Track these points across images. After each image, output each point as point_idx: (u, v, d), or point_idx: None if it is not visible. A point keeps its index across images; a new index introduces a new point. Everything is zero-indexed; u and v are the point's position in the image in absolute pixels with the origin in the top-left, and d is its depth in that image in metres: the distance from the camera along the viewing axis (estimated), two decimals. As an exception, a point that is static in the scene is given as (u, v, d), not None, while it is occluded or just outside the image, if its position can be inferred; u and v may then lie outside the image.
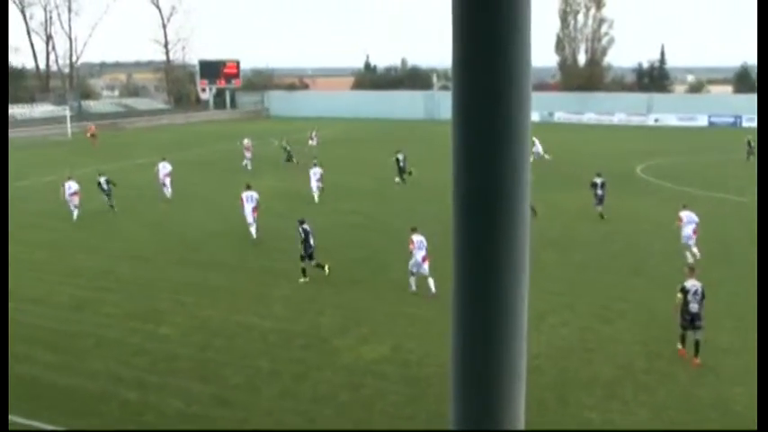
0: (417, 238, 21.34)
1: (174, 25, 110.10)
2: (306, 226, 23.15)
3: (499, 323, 2.04)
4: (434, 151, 49.73)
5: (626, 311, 19.84)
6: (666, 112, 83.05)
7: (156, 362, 16.83)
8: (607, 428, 13.73)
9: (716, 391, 14.98)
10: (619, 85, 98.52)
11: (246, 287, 22.38)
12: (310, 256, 22.92)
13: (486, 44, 1.94)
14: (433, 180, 38.94)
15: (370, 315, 19.74)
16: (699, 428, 13.71)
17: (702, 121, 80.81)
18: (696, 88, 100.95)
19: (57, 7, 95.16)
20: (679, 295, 16.58)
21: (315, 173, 36.78)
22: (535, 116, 72.42)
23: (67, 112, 75.25)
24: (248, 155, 47.41)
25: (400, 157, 42.19)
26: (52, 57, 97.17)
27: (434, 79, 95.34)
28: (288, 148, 49.36)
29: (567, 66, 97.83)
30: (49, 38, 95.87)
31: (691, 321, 16.35)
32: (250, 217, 28.25)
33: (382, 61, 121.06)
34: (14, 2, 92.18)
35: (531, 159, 2.39)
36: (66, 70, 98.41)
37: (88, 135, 65.75)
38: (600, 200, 31.07)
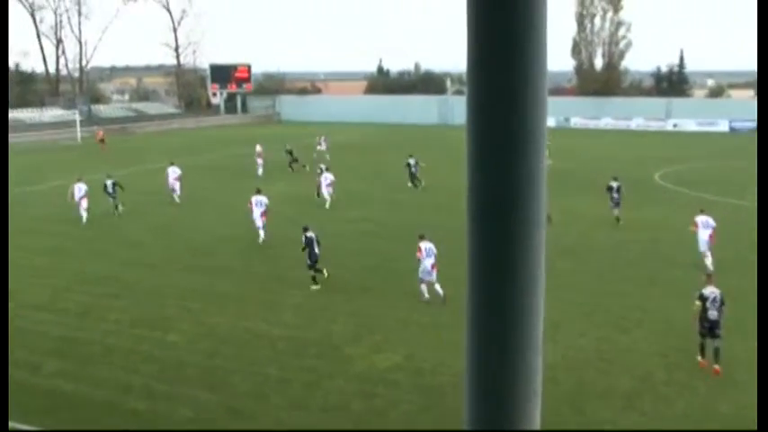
0: (425, 246, 21.35)
1: (185, 29, 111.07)
2: (310, 234, 23.15)
3: (514, 329, 2.03)
4: (448, 157, 49.68)
5: (643, 321, 19.73)
6: (686, 118, 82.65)
7: (164, 370, 16.85)
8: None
9: (737, 403, 14.84)
10: (637, 89, 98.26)
11: (255, 294, 22.41)
12: (314, 264, 22.85)
13: (502, 45, 1.93)
14: (446, 186, 38.94)
15: (382, 323, 19.72)
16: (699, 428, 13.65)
17: (723, 126, 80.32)
18: (716, 93, 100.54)
19: (67, 11, 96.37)
20: (697, 302, 16.48)
21: (326, 178, 36.86)
22: (551, 121, 72.25)
23: (77, 117, 75.77)
24: (260, 161, 47.60)
25: (411, 161, 42.43)
26: (62, 61, 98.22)
27: (448, 84, 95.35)
28: (291, 152, 49.72)
29: (583, 70, 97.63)
30: (59, 42, 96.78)
31: (710, 329, 16.25)
32: (259, 221, 28.53)
33: (395, 65, 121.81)
34: (25, 5, 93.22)
35: None
36: (76, 74, 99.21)
37: (97, 140, 66.24)
38: (616, 203, 31.13)
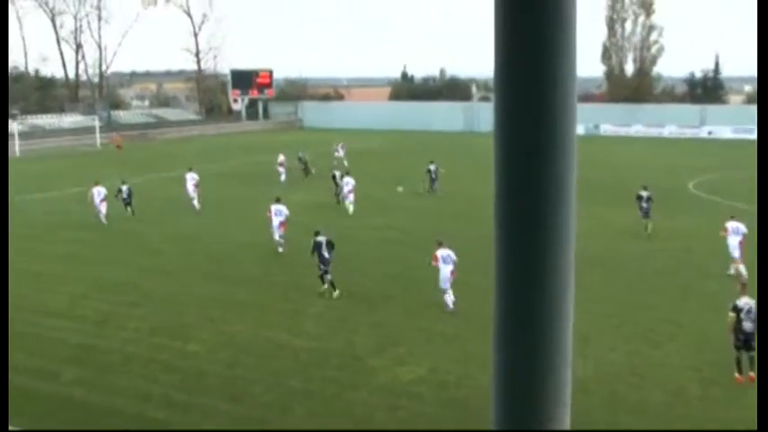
0: (443, 253, 21.34)
1: (206, 34, 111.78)
2: (319, 238, 23.20)
3: (543, 340, 2.03)
4: (473, 164, 49.76)
5: (676, 334, 19.56)
6: (721, 125, 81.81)
7: (185, 379, 16.98)
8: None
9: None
10: (669, 95, 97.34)
11: (276, 303, 22.51)
12: (325, 269, 22.90)
13: (530, 50, 1.92)
14: (471, 194, 38.93)
15: (406, 334, 19.73)
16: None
17: (760, 133, 79.30)
18: (753, 99, 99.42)
19: (87, 16, 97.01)
20: (731, 314, 16.31)
21: (347, 183, 37.12)
22: (580, 129, 71.84)
23: (96, 123, 76.58)
24: (282, 169, 47.88)
25: (432, 167, 42.72)
26: (82, 66, 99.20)
27: (474, 90, 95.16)
28: (301, 159, 50.10)
29: (613, 76, 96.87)
30: (78, 47, 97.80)
31: (745, 341, 16.04)
32: (276, 232, 28.62)
33: (420, 71, 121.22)
34: (45, 10, 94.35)
35: None
36: (96, 80, 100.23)
37: (115, 145, 67.21)
38: (645, 213, 30.97)
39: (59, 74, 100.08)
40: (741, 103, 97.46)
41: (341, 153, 56.25)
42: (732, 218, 25.19)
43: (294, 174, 48.58)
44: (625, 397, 15.89)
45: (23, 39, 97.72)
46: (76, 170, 54.45)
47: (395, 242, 30.44)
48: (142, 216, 36.21)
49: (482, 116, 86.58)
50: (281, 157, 48.92)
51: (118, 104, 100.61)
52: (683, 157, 61.43)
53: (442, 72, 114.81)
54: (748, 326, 15.92)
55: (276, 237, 28.77)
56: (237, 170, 54.43)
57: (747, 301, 16.18)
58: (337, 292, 22.81)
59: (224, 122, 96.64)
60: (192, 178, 38.88)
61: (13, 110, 77.29)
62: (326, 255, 22.93)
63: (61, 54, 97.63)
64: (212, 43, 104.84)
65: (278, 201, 29.65)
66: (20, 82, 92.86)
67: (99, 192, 34.59)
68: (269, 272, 26.04)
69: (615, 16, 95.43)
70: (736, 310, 16.20)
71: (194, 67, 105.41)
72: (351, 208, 36.56)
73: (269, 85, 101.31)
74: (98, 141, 73.61)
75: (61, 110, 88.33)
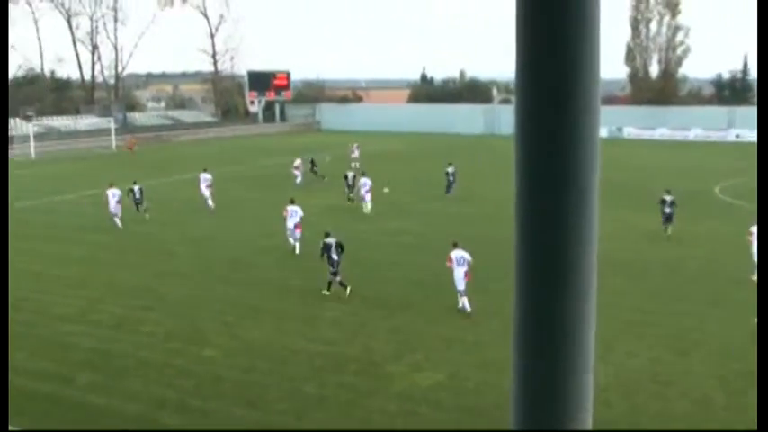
0: (457, 254, 21.53)
1: (223, 35, 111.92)
2: (329, 240, 23.54)
3: (564, 346, 2.02)
4: (492, 167, 49.69)
5: (701, 342, 19.43)
6: (749, 127, 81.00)
7: (200, 385, 17.07)
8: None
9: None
10: (695, 98, 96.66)
11: (293, 308, 22.58)
12: (335, 271, 23.26)
13: (552, 51, 1.91)
14: (490, 197, 38.88)
15: (424, 340, 19.73)
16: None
17: (790, 136, 78.59)
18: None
19: (103, 17, 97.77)
20: (755, 321, 16.17)
21: (364, 184, 37.48)
22: (603, 132, 71.45)
23: (112, 125, 77.17)
24: (297, 173, 48.15)
25: (450, 170, 42.78)
26: (97, 67, 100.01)
27: (494, 92, 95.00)
28: (313, 161, 50.58)
29: (637, 78, 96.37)
30: (94, 48, 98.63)
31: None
32: (293, 233, 29.18)
33: (440, 73, 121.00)
34: (61, 12, 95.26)
35: None
36: (112, 81, 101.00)
37: (126, 147, 67.93)
38: (667, 218, 30.95)
39: (75, 75, 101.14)
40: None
41: (356, 154, 56.53)
42: (758, 222, 25.01)
43: (309, 176, 48.80)
44: (647, 405, 15.81)
45: (39, 40, 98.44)
46: (92, 172, 54.86)
47: (413, 246, 30.45)
48: (158, 219, 36.45)
49: (503, 119, 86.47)
50: (298, 161, 49.25)
51: (133, 106, 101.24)
52: (708, 161, 61.02)
53: (462, 74, 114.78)
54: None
55: (292, 240, 29.40)
56: (254, 173, 54.66)
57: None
58: (348, 289, 23.12)
59: (240, 125, 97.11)
60: (205, 179, 39.67)
61: (28, 111, 78.01)
62: (335, 257, 23.24)
63: (77, 55, 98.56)
64: (229, 44, 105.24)
65: (292, 202, 30.17)
66: (35, 83, 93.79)
67: (114, 194, 35.10)
68: (286, 276, 26.11)
69: (639, 16, 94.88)
70: (763, 317, 16.05)
71: (211, 68, 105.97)
72: (368, 207, 37.02)
73: (286, 87, 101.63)
74: (113, 143, 74.17)
75: (77, 112, 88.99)
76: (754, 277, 23.18)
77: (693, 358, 18.44)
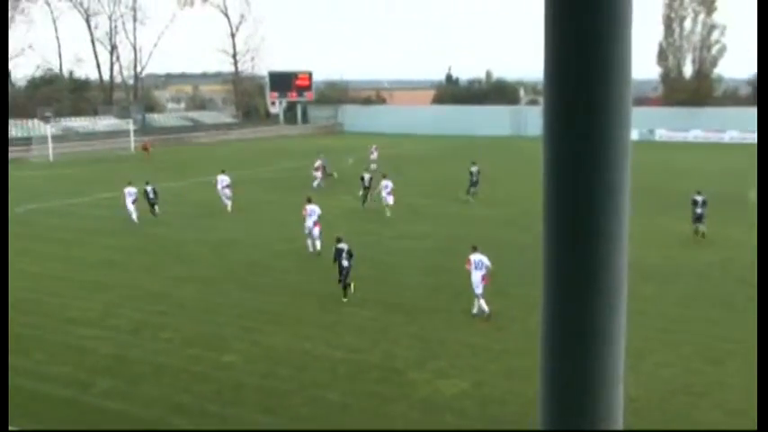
0: (476, 258, 21.75)
1: (243, 35, 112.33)
2: (340, 245, 23.85)
3: (593, 355, 2.02)
4: (519, 169, 49.55)
5: (735, 352, 19.23)
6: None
7: (220, 391, 17.16)
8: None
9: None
10: (731, 98, 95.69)
11: (314, 313, 22.65)
12: (345, 277, 23.61)
13: (583, 51, 1.90)
14: (518, 201, 38.75)
15: (448, 347, 19.71)
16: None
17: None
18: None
19: (122, 16, 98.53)
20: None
21: (386, 186, 37.71)
22: (634, 134, 70.96)
23: (131, 126, 77.76)
24: (318, 174, 48.33)
25: (474, 169, 42.85)
26: (116, 67, 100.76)
27: (522, 93, 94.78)
28: (326, 163, 50.77)
29: (670, 78, 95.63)
30: (113, 48, 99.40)
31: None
32: (311, 232, 29.70)
33: (465, 73, 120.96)
34: (80, 11, 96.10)
35: None
36: (131, 82, 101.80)
37: (141, 148, 68.68)
38: (698, 218, 31.14)
39: (93, 76, 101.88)
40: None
41: (374, 156, 56.68)
42: None
43: (329, 179, 48.96)
44: (680, 416, 15.69)
45: (58, 39, 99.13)
46: (109, 175, 55.29)
47: (435, 250, 30.42)
48: (176, 221, 36.81)
49: (530, 120, 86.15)
50: (318, 161, 49.47)
51: (153, 107, 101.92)
52: (744, 164, 60.36)
53: (488, 74, 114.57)
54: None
55: (309, 242, 29.89)
56: (274, 175, 54.89)
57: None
58: (352, 288, 23.59)
59: (261, 126, 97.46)
60: (222, 180, 40.28)
61: (46, 112, 78.82)
62: (345, 263, 23.54)
63: (96, 55, 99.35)
64: (250, 44, 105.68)
65: (309, 201, 30.67)
66: (54, 84, 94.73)
67: (130, 192, 36.37)
68: (305, 280, 26.19)
69: (673, 15, 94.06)
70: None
71: (231, 68, 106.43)
72: (388, 210, 37.30)
73: (308, 88, 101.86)
74: (132, 145, 74.74)
75: (95, 112, 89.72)
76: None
77: (728, 368, 18.27)
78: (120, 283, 26.17)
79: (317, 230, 29.72)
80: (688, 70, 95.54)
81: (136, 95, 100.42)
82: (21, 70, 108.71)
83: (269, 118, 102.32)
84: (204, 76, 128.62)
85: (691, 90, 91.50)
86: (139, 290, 25.38)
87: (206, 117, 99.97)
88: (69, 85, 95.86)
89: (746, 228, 34.08)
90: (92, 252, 30.93)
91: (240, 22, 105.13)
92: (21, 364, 18.59)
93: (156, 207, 37.45)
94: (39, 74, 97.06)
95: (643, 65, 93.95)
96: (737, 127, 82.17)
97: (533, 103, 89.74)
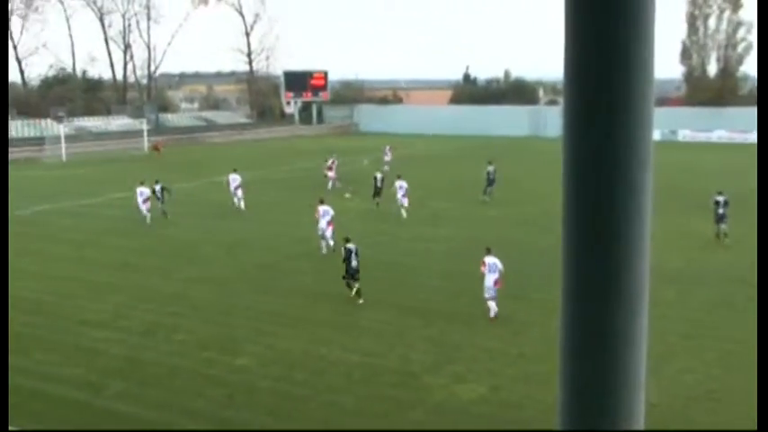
0: (490, 261, 21.92)
1: (258, 33, 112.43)
2: (350, 245, 24.09)
3: (614, 360, 2.01)
4: (539, 171, 49.42)
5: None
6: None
7: (233, 395, 17.21)
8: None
9: None
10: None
11: (329, 316, 22.66)
12: (353, 276, 23.83)
13: (604, 49, 1.89)
14: (537, 202, 38.63)
15: (465, 351, 19.68)
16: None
17: None
18: None
19: (135, 15, 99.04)
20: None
21: (401, 187, 37.79)
22: (656, 134, 70.65)
23: (144, 126, 78.13)
24: (331, 174, 48.47)
25: (490, 169, 42.84)
26: (130, 67, 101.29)
27: (541, 93, 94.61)
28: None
29: (693, 77, 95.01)
30: (127, 47, 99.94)
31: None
32: (325, 232, 29.94)
33: (483, 73, 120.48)
34: (93, 10, 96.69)
35: None
36: (144, 81, 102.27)
37: (152, 148, 69.23)
38: (720, 218, 31.16)
39: (107, 75, 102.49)
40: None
41: (388, 157, 56.69)
42: None
43: (349, 178, 48.98)
44: (701, 423, 15.59)
45: (71, 38, 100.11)
46: (122, 175, 55.55)
47: (452, 253, 30.37)
48: (189, 222, 37.05)
49: (549, 120, 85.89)
50: (330, 160, 49.73)
51: (166, 107, 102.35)
52: (769, 166, 59.89)
53: (506, 74, 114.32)
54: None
55: (323, 243, 30.04)
56: (290, 176, 55.02)
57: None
58: (354, 290, 23.70)
59: (276, 126, 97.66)
60: (234, 180, 40.82)
61: (59, 112, 79.38)
62: (354, 263, 23.78)
63: (109, 54, 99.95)
64: (265, 43, 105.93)
65: (322, 202, 30.99)
66: (67, 83, 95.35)
67: (142, 192, 36.88)
68: (320, 282, 26.19)
69: (697, 12, 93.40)
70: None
71: (246, 68, 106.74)
72: (404, 211, 37.45)
73: (324, 88, 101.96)
74: (146, 145, 75.11)
75: (108, 112, 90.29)
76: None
77: (752, 375, 18.09)
78: (132, 285, 26.29)
79: (330, 231, 29.89)
80: (712, 69, 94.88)
81: (149, 95, 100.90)
82: (34, 69, 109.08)
83: (284, 118, 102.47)
84: (218, 76, 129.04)
85: (715, 89, 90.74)
86: (152, 291, 25.50)
87: (220, 117, 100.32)
88: (83, 85, 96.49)
89: (771, 231, 33.91)
90: (104, 253, 31.09)
91: (255, 21, 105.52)
92: (32, 366, 18.74)
93: (164, 206, 37.86)
94: (52, 73, 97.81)
95: (665, 64, 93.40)
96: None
97: (552, 103, 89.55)
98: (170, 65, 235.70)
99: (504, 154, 62.56)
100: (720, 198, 31.63)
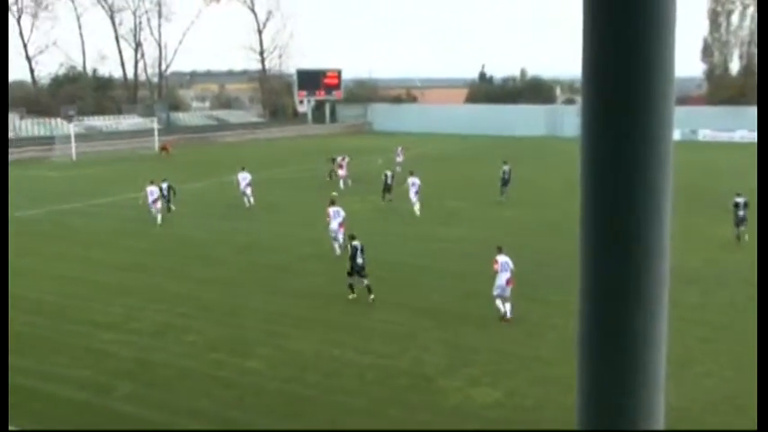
0: (502, 259, 22.07)
1: (271, 31, 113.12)
2: (355, 243, 24.22)
3: (633, 363, 2.01)
4: (556, 171, 49.30)
5: (782, 362, 18.98)
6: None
7: (243, 397, 17.25)
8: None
9: None
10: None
11: (341, 318, 22.68)
12: (360, 274, 23.93)
13: (623, 47, 1.87)
14: (551, 203, 38.53)
15: (481, 353, 19.65)
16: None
17: None
18: None
19: (146, 12, 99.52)
20: None
21: (413, 184, 38.12)
22: (675, 134, 70.08)
23: (155, 125, 78.40)
24: (342, 173, 48.64)
25: (506, 168, 42.84)
26: (141, 65, 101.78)
27: (558, 91, 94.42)
28: (335, 160, 51.36)
29: (715, 75, 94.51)
30: (137, 45, 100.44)
31: None
32: (336, 233, 29.97)
33: (499, 71, 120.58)
34: (104, 7, 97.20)
35: None
36: (155, 80, 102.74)
37: (163, 149, 69.52)
38: (740, 221, 31.16)
39: (117, 73, 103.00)
40: None
41: (401, 158, 56.75)
42: None
43: (354, 177, 49.11)
44: (721, 429, 15.51)
45: (82, 37, 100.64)
46: (133, 175, 55.78)
47: (470, 255, 30.29)
48: (199, 223, 37.19)
49: (566, 120, 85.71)
50: (339, 158, 50.07)
51: (177, 106, 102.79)
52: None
53: (523, 72, 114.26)
54: None
55: (336, 245, 30.04)
56: (302, 176, 55.10)
57: None
58: (355, 294, 23.88)
59: (289, 125, 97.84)
60: (244, 178, 41.33)
61: (69, 111, 79.77)
62: (360, 260, 23.89)
63: (120, 53, 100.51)
64: (277, 41, 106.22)
65: (333, 203, 31.05)
66: (77, 82, 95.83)
67: (152, 191, 37.37)
68: (334, 284, 26.17)
69: (719, 8, 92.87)
70: None
71: (258, 66, 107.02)
72: (417, 209, 37.81)
73: (337, 86, 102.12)
74: (156, 145, 75.39)
75: (119, 111, 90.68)
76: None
77: (773, 380, 18.00)
78: (142, 286, 26.39)
79: (341, 233, 29.68)
80: (734, 66, 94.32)
81: (160, 94, 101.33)
82: (44, 68, 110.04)
83: (296, 117, 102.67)
84: (230, 74, 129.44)
85: (737, 87, 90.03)
86: (162, 292, 25.58)
87: (232, 116, 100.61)
88: (93, 84, 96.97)
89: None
90: (113, 254, 31.22)
91: (267, 19, 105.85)
92: (42, 367, 18.85)
93: (170, 203, 38.66)
94: (62, 72, 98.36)
95: (686, 61, 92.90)
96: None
97: (570, 102, 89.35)
98: (181, 63, 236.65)
99: (521, 154, 62.49)
100: (740, 200, 31.55)
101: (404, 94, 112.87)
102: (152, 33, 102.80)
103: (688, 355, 18.70)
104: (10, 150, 67.71)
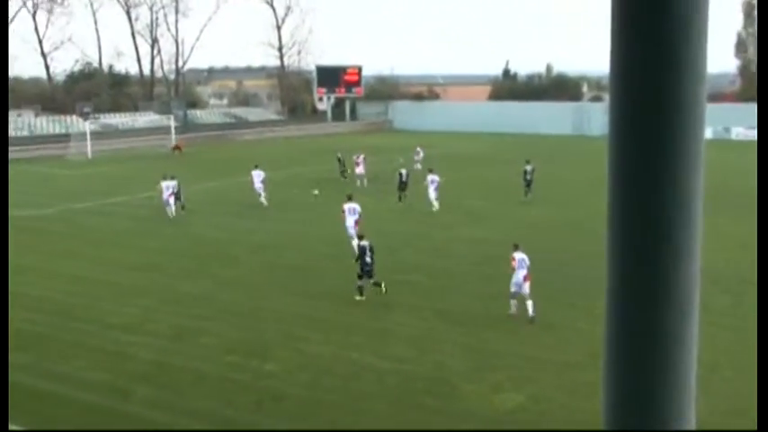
0: (519, 256, 22.36)
1: (290, 27, 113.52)
2: (364, 243, 24.54)
3: (663, 370, 2.01)
4: (583, 171, 49.08)
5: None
6: None
7: (261, 401, 17.30)
8: None
9: None
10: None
11: (361, 321, 22.70)
12: (368, 274, 24.24)
13: (653, 43, 1.86)
14: (578, 204, 38.38)
15: (504, 358, 19.61)
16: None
17: None
18: None
19: (163, 8, 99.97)
20: None
21: (432, 181, 38.33)
22: (707, 132, 69.63)
23: (172, 123, 78.74)
24: (359, 170, 48.83)
25: (528, 168, 42.72)
26: (157, 62, 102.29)
27: (585, 88, 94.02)
28: (341, 160, 51.93)
29: (749, 71, 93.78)
30: (154, 41, 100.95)
31: None
32: (352, 230, 30.15)
33: (524, 68, 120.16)
34: (120, 3, 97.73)
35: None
36: (172, 76, 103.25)
37: (176, 147, 70.05)
38: None
39: (134, 70, 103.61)
40: None
41: (419, 157, 56.88)
42: None
43: (370, 176, 49.22)
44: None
45: (97, 32, 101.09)
46: (148, 173, 55.99)
47: (494, 257, 30.18)
48: (216, 222, 37.40)
49: (593, 118, 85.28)
50: (355, 157, 50.45)
51: (195, 103, 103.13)
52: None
53: (548, 68, 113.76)
54: None
55: (354, 243, 29.56)
56: (322, 175, 55.09)
57: None
58: (384, 288, 24.23)
59: (308, 123, 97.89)
60: (258, 175, 41.97)
61: (85, 108, 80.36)
62: (369, 260, 24.23)
63: (136, 49, 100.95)
64: (296, 37, 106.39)
65: (350, 199, 31.36)
66: (93, 78, 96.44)
67: (167, 186, 38.38)
68: (352, 285, 26.17)
69: (754, 1, 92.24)
70: None
71: (277, 63, 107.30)
72: (435, 206, 38.42)
73: (357, 83, 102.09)
74: (173, 142, 75.77)
75: (135, 108, 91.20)
76: None
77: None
78: (158, 287, 26.53)
79: (355, 229, 29.79)
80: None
81: (177, 91, 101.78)
82: (60, 64, 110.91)
83: (316, 114, 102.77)
84: (248, 71, 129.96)
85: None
86: (179, 293, 25.72)
87: (250, 113, 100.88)
88: (109, 80, 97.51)
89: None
90: (129, 254, 31.40)
91: (286, 14, 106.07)
92: (59, 369, 19.00)
93: (181, 201, 39.47)
94: (78, 68, 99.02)
95: (719, 57, 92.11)
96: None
97: (597, 99, 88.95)
98: (198, 59, 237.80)
99: (546, 153, 62.29)
100: None
101: (425, 91, 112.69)
102: (169, 29, 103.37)
103: (715, 360, 18.57)
104: (25, 148, 68.45)
